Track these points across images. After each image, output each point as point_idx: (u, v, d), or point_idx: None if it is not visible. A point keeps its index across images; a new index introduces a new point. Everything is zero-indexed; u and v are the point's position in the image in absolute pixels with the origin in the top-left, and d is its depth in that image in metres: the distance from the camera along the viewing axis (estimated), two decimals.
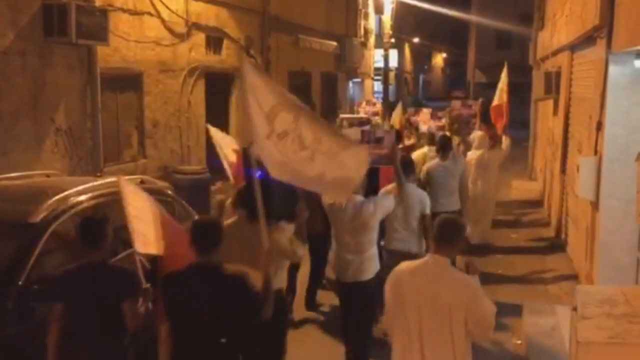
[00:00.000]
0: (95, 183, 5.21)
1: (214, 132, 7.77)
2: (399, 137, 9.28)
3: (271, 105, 3.92)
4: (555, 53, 11.20)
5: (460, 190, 7.84)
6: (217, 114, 12.58)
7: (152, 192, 5.14)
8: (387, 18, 25.61)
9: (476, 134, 10.35)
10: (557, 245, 9.53)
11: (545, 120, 13.20)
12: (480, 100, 11.84)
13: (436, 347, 3.54)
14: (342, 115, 14.64)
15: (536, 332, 6.08)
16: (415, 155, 8.93)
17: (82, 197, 4.82)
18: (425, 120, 12.23)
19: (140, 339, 4.05)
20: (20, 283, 4.07)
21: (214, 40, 12.28)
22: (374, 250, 5.33)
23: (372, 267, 5.30)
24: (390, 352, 3.78)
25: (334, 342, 5.95)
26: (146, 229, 4.16)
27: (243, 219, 4.56)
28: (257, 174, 3.93)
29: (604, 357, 3.62)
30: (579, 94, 8.78)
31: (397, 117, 10.89)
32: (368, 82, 26.73)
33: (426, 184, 7.59)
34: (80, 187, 4.93)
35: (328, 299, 7.23)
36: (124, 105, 9.89)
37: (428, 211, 6.05)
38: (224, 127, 12.37)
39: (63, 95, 8.25)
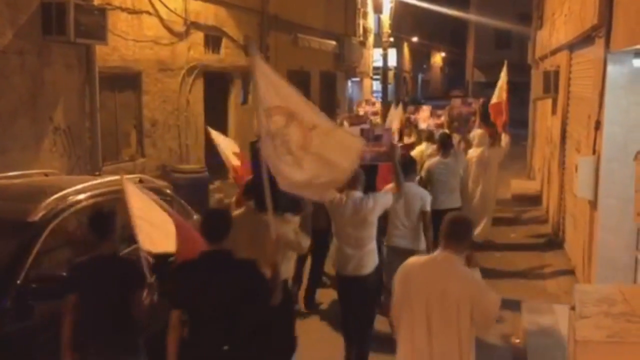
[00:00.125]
0: (94, 182, 5.22)
1: (215, 135, 7.81)
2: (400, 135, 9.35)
3: (272, 105, 4.00)
4: (554, 52, 11.20)
5: (461, 188, 7.88)
6: (216, 113, 12.58)
7: (151, 191, 5.15)
8: (386, 17, 25.62)
9: (476, 132, 10.36)
10: (554, 243, 9.62)
11: (544, 119, 13.21)
12: (481, 100, 11.85)
13: (444, 339, 3.67)
14: (343, 115, 14.69)
15: (535, 331, 6.09)
16: (413, 152, 8.96)
17: (81, 196, 4.82)
18: (424, 118, 12.23)
19: (147, 331, 4.15)
20: (18, 282, 4.06)
21: (213, 39, 12.28)
22: (373, 245, 5.44)
23: (371, 262, 5.42)
24: (389, 347, 3.84)
25: (334, 340, 5.95)
26: (150, 227, 4.25)
27: (250, 210, 4.77)
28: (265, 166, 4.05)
29: (602, 356, 3.62)
30: (577, 93, 8.79)
31: (397, 116, 10.84)
32: (367, 82, 26.73)
33: (427, 182, 7.62)
34: (79, 186, 4.93)
35: (327, 297, 7.26)
36: (122, 104, 9.89)
37: (428, 208, 6.17)
38: (222, 126, 12.39)
39: (61, 94, 8.24)
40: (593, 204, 6.81)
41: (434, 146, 8.94)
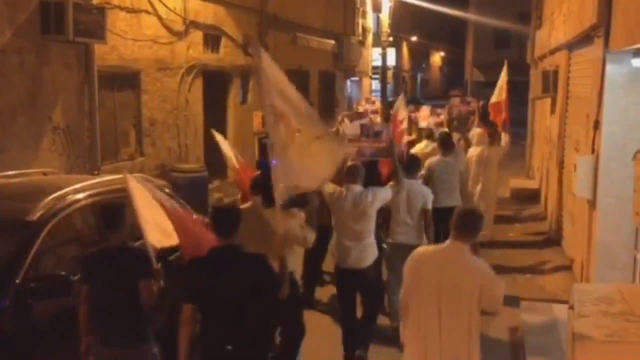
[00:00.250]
0: (93, 181, 5.22)
1: (220, 139, 7.83)
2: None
3: (268, 103, 4.10)
4: (553, 52, 11.21)
5: (461, 187, 7.93)
6: (215, 112, 12.58)
7: None
8: (385, 16, 25.62)
9: (475, 131, 10.37)
10: (552, 240, 9.72)
11: (543, 118, 13.22)
12: (481, 102, 11.89)
13: (453, 328, 3.82)
14: (343, 113, 14.73)
15: (534, 330, 6.09)
16: (413, 150, 9.03)
17: (80, 195, 4.81)
18: (424, 117, 12.28)
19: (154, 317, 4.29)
20: (17, 281, 4.06)
21: (212, 39, 12.27)
22: (372, 239, 5.58)
23: (370, 255, 5.57)
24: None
25: (334, 338, 5.95)
26: (155, 222, 4.34)
27: (258, 204, 4.91)
28: (273, 162, 4.13)
29: (601, 355, 3.62)
30: (576, 92, 8.79)
31: (403, 106, 10.72)
32: (366, 81, 26.73)
33: (428, 180, 7.66)
34: (78, 185, 4.92)
35: (327, 294, 7.31)
36: (121, 103, 9.88)
37: (430, 206, 6.32)
38: (221, 125, 12.38)
39: (60, 93, 8.23)
40: (592, 204, 6.81)
41: (434, 144, 8.97)
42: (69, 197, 4.72)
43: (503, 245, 9.73)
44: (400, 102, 10.00)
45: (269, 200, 4.35)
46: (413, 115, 12.54)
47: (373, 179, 6.12)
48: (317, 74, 19.10)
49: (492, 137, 9.91)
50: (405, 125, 9.64)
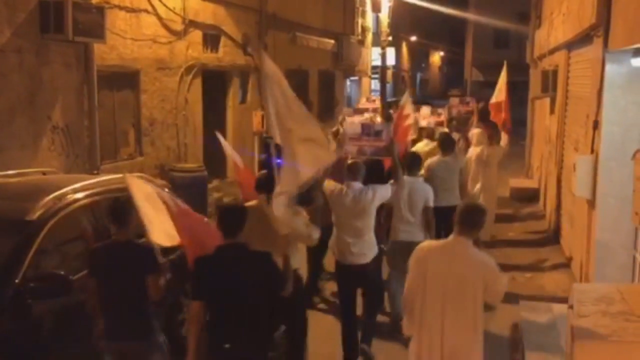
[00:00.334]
0: (92, 181, 5.22)
1: (223, 142, 7.82)
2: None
3: (272, 106, 4.28)
4: (552, 51, 11.21)
5: (460, 187, 7.96)
6: (214, 112, 12.58)
7: None
8: (384, 16, 25.52)
9: (474, 131, 10.39)
10: (551, 239, 9.77)
11: (542, 118, 13.21)
12: (481, 103, 11.90)
13: (458, 320, 3.89)
14: (344, 112, 14.77)
15: (533, 330, 6.09)
16: (413, 149, 9.02)
17: (79, 195, 4.82)
18: (425, 116, 12.30)
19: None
20: (17, 281, 4.06)
21: (211, 38, 12.26)
22: (372, 236, 5.66)
23: (371, 251, 5.64)
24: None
25: (334, 336, 5.96)
26: (157, 222, 4.36)
27: (263, 202, 4.94)
28: (277, 161, 4.24)
29: (600, 355, 3.62)
30: (575, 92, 8.80)
31: (409, 101, 10.67)
32: (365, 81, 26.72)
33: (427, 179, 7.68)
34: (77, 185, 4.93)
35: (327, 292, 7.32)
36: (121, 103, 9.88)
37: (431, 204, 6.43)
38: (221, 124, 12.39)
39: (60, 93, 8.23)
40: (591, 203, 6.81)
41: (434, 143, 8.98)
42: (69, 196, 4.73)
43: (503, 244, 9.77)
44: (407, 98, 10.02)
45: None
46: (413, 115, 12.57)
47: (376, 176, 6.15)
48: (316, 74, 19.09)
49: (492, 137, 9.90)
50: (411, 120, 9.62)
